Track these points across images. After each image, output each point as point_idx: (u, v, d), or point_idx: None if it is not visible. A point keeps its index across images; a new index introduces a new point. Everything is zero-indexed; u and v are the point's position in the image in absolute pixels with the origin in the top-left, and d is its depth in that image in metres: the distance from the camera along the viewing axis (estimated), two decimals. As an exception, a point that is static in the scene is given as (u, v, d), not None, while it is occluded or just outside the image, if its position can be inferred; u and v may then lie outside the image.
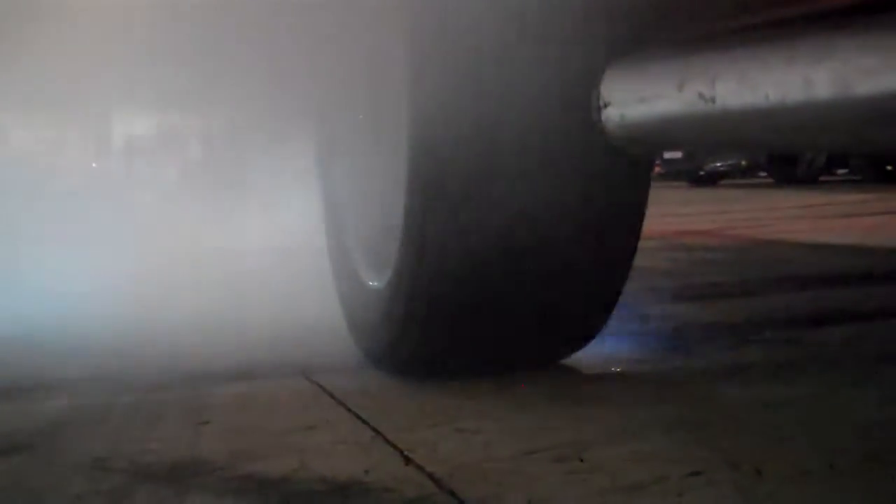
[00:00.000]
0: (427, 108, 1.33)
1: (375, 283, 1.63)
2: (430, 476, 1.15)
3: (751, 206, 5.13)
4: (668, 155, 12.12)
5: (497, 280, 1.44)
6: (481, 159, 1.32)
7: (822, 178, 12.03)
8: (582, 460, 1.19)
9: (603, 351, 1.72)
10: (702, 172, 12.88)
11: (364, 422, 1.38)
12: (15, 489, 1.17)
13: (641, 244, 1.54)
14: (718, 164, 12.75)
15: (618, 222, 1.42)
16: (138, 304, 2.15)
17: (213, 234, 2.18)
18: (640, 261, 1.57)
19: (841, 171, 12.69)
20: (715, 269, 3.02)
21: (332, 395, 1.53)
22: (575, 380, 1.60)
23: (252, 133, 2.06)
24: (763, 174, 13.11)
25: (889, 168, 10.37)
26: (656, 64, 1.02)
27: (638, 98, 1.02)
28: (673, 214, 5.10)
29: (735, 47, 0.89)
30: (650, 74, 1.02)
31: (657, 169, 11.55)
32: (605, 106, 1.08)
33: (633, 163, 1.30)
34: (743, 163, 12.72)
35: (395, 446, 1.26)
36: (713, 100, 0.88)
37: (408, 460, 1.21)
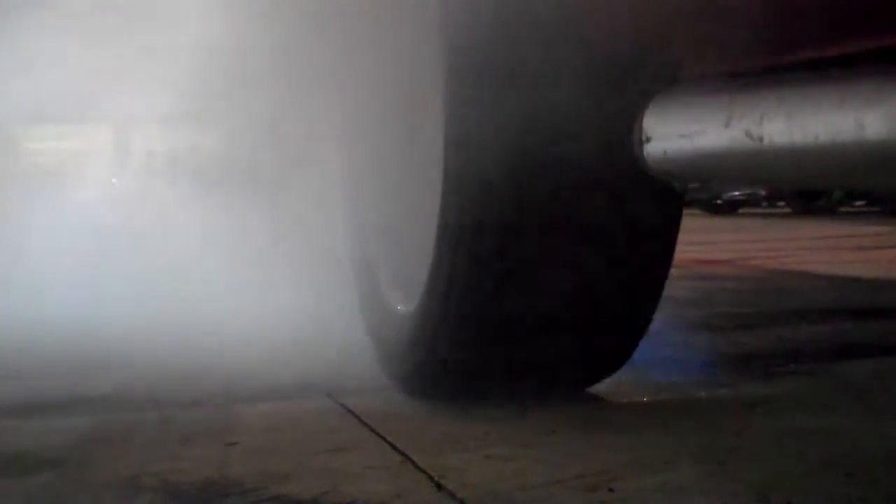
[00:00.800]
0: (463, 138, 1.34)
1: (403, 308, 1.64)
2: (462, 503, 1.15)
3: (769, 235, 5.13)
4: (684, 182, 12.05)
5: (527, 306, 1.45)
6: (516, 188, 1.33)
7: (841, 209, 12.01)
8: (612, 490, 1.19)
9: (630, 379, 1.72)
10: (719, 201, 12.84)
11: (392, 445, 1.38)
12: (47, 506, 1.18)
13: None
14: (737, 193, 12.71)
15: (650, 252, 1.42)
16: (159, 319, 2.15)
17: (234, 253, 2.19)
18: (663, 290, 1.58)
19: (859, 203, 12.66)
20: (736, 298, 3.02)
21: (358, 418, 1.53)
22: (603, 407, 1.61)
23: (275, 153, 2.06)
24: (782, 204, 13.07)
25: (908, 200, 10.32)
26: (700, 100, 1.03)
27: (681, 134, 1.03)
28: (691, 243, 5.10)
29: (783, 87, 0.90)
30: (694, 111, 1.02)
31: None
32: (647, 140, 1.09)
33: (668, 194, 1.31)
34: (762, 192, 12.67)
35: (424, 471, 1.27)
36: (761, 138, 0.89)
37: (439, 486, 1.21)
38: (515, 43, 1.24)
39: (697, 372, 1.88)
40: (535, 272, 1.42)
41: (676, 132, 1.04)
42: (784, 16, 0.95)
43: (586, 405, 1.61)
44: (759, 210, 13.35)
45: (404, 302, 1.63)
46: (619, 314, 1.50)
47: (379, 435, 1.43)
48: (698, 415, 1.55)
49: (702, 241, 5.37)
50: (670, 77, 1.15)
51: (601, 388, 1.67)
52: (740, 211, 12.97)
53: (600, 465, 1.28)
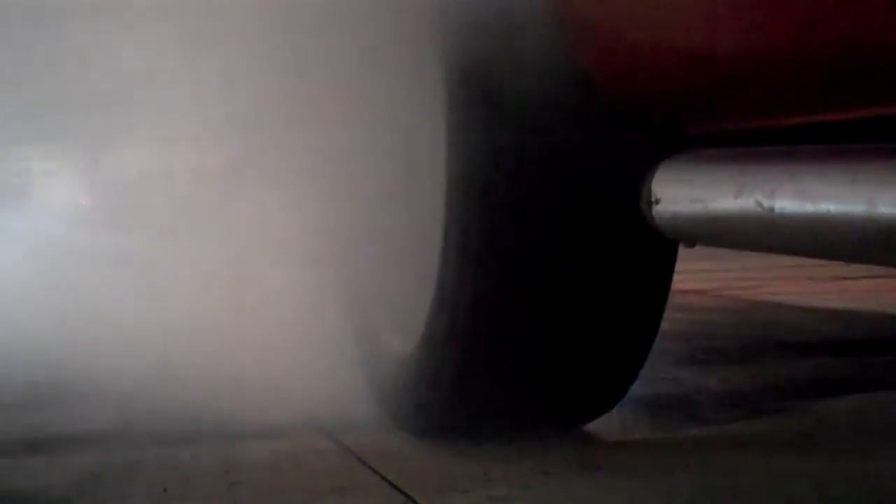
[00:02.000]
0: (465, 181, 1.38)
1: (402, 346, 1.66)
2: (469, 545, 1.18)
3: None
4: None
5: (526, 349, 1.49)
6: (519, 231, 1.37)
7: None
8: (614, 532, 1.22)
9: (621, 416, 1.76)
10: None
11: (394, 486, 1.41)
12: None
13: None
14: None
15: (647, 295, 1.47)
16: (153, 351, 2.16)
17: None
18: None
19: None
20: (715, 331, 3.06)
21: (358, 457, 1.56)
22: (597, 447, 1.64)
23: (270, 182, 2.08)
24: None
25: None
26: (711, 166, 1.07)
27: (691, 199, 1.07)
28: (667, 271, 5.12)
29: (794, 161, 0.94)
30: (705, 176, 1.06)
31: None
32: (657, 202, 1.13)
33: (668, 247, 1.35)
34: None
35: (428, 513, 1.30)
36: (772, 209, 0.93)
37: (444, 528, 1.24)
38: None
39: (684, 410, 1.92)
40: (535, 317, 1.46)
41: (686, 197, 1.08)
42: (791, 78, 0.99)
43: (581, 444, 1.64)
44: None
45: (404, 342, 1.65)
46: (616, 355, 1.54)
47: (380, 475, 1.46)
48: (690, 454, 1.59)
49: (676, 270, 5.40)
50: (675, 135, 1.19)
51: (593, 426, 1.71)
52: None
53: (601, 508, 1.31)
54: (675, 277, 1.55)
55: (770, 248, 1.01)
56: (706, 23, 1.06)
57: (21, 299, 2.42)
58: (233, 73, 2.00)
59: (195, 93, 1.98)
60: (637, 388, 1.87)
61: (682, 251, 1.44)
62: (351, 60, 1.76)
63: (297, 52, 1.80)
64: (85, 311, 2.26)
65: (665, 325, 1.60)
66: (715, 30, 1.07)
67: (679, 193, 1.10)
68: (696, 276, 5.01)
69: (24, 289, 2.43)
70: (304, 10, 1.72)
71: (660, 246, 1.35)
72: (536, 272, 1.43)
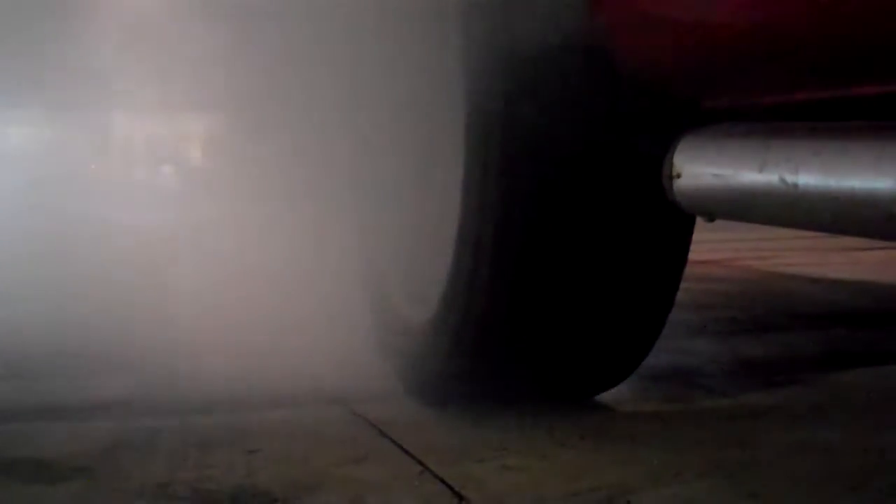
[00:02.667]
0: (486, 150, 1.39)
1: (419, 314, 1.67)
2: (485, 514, 1.19)
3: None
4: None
5: (543, 316, 1.49)
6: (536, 200, 1.38)
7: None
8: (629, 503, 1.23)
9: (635, 387, 1.77)
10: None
11: (410, 455, 1.42)
12: (84, 515, 1.21)
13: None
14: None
15: (664, 265, 1.47)
16: (170, 321, 2.18)
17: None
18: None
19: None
20: (729, 302, 3.07)
21: (374, 426, 1.57)
22: (610, 417, 1.65)
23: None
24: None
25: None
26: (734, 141, 1.07)
27: (714, 174, 1.07)
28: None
29: (818, 138, 0.94)
30: (727, 152, 1.06)
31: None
32: (678, 176, 1.13)
33: (687, 221, 1.36)
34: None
35: (444, 482, 1.31)
36: (795, 186, 0.93)
37: (461, 497, 1.25)
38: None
39: (697, 381, 1.93)
40: (553, 283, 1.47)
41: (709, 172, 1.08)
42: (807, 53, 0.99)
43: (595, 415, 1.65)
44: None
45: (420, 311, 1.66)
46: (632, 325, 1.55)
47: (397, 444, 1.47)
48: (704, 426, 1.60)
49: (688, 240, 5.39)
50: (694, 110, 1.20)
51: (606, 396, 1.72)
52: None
53: (615, 478, 1.32)
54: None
55: (792, 224, 1.01)
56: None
57: (41, 270, 2.44)
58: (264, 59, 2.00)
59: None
60: (651, 359, 1.88)
61: (697, 220, 1.44)
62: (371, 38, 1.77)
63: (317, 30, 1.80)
64: (105, 280, 2.28)
65: (680, 295, 1.61)
66: (730, 4, 1.07)
67: (701, 168, 1.11)
68: (709, 245, 5.01)
69: (44, 261, 2.44)
70: None
71: (678, 219, 1.36)
72: (553, 242, 1.44)
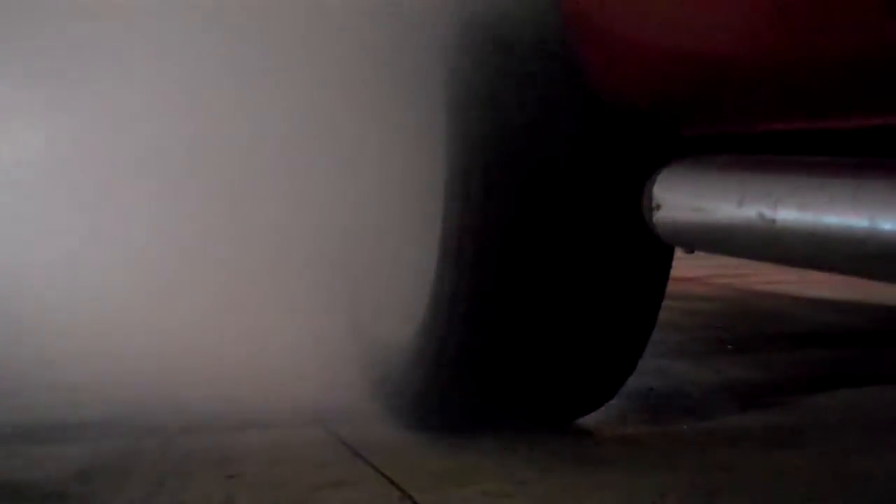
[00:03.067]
0: (465, 176, 1.39)
1: (399, 334, 1.67)
2: (464, 542, 1.19)
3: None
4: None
5: (524, 341, 1.49)
6: (517, 225, 1.38)
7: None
8: (609, 530, 1.23)
9: (615, 410, 1.76)
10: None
11: (390, 480, 1.41)
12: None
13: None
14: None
15: (644, 293, 1.48)
16: (149, 341, 2.16)
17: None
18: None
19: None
20: (708, 321, 3.08)
21: (353, 450, 1.56)
22: (590, 441, 1.65)
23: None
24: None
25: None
26: (713, 174, 1.07)
27: (693, 207, 1.07)
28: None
29: (796, 174, 0.94)
30: (706, 185, 1.07)
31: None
32: (657, 208, 1.14)
33: (667, 247, 1.36)
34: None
35: (423, 508, 1.30)
36: (773, 222, 0.93)
37: (439, 524, 1.25)
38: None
39: (676, 403, 1.93)
40: (534, 308, 1.46)
41: (688, 205, 1.09)
42: (790, 83, 0.99)
43: (573, 438, 1.65)
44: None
45: (401, 329, 1.66)
46: (612, 349, 1.55)
47: (376, 469, 1.47)
48: (684, 450, 1.60)
49: (669, 257, 5.41)
50: (674, 137, 1.20)
51: (587, 419, 1.71)
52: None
53: (594, 503, 1.32)
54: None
55: (771, 259, 1.01)
56: (703, 25, 1.06)
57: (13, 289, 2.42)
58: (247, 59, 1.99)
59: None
60: (630, 380, 1.88)
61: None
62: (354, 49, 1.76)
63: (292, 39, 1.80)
64: (77, 298, 2.26)
65: (660, 313, 1.61)
66: (713, 32, 1.07)
67: (680, 200, 1.11)
68: (689, 262, 5.02)
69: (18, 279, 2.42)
70: None
71: (658, 245, 1.36)
72: (534, 269, 1.44)
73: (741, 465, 1.52)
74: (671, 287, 1.70)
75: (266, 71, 1.83)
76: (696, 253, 1.44)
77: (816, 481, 1.44)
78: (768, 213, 0.94)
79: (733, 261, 5.28)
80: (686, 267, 4.58)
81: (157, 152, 2.10)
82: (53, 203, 2.44)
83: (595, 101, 1.26)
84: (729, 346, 2.56)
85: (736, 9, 1.01)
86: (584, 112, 1.30)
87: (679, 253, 1.56)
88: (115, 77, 2.06)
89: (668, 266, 1.49)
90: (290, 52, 1.74)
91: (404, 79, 1.63)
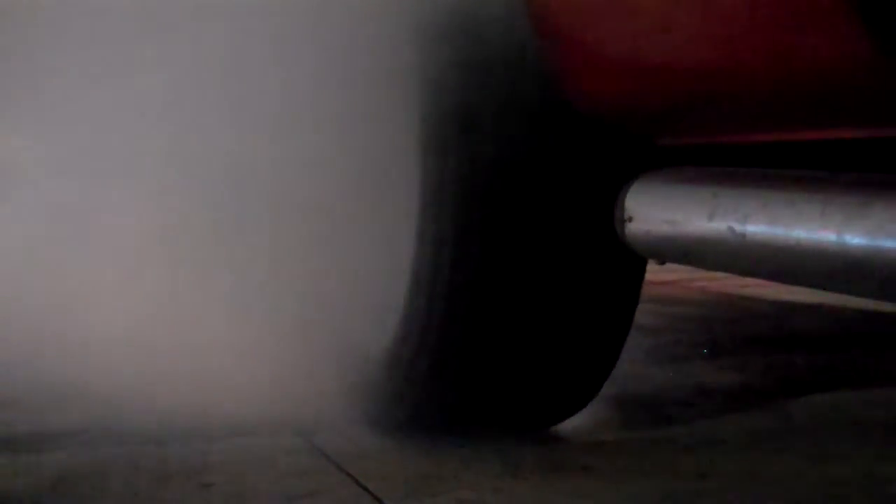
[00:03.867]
0: (439, 199, 1.39)
1: (375, 340, 1.67)
2: (439, 551, 1.19)
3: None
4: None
5: (498, 350, 1.50)
6: (493, 234, 1.38)
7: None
8: (583, 537, 1.23)
9: (591, 416, 1.77)
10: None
11: (365, 488, 1.42)
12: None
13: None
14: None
15: (619, 297, 1.49)
16: (123, 348, 2.15)
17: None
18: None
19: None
20: (683, 325, 3.09)
21: (329, 458, 1.56)
22: (565, 449, 1.65)
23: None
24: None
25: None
26: (684, 187, 1.08)
27: (664, 219, 1.08)
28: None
29: (767, 188, 0.95)
30: (678, 198, 1.07)
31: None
32: (630, 220, 1.14)
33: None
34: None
35: (399, 516, 1.31)
36: (743, 236, 0.94)
37: (414, 533, 1.25)
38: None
39: (653, 409, 1.94)
40: (508, 315, 1.47)
41: (660, 217, 1.09)
42: (762, 96, 1.00)
43: (549, 446, 1.65)
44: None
45: (376, 343, 1.66)
46: (586, 357, 1.55)
47: (351, 477, 1.47)
48: (661, 455, 1.60)
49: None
50: (647, 147, 1.21)
51: (561, 427, 1.72)
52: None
53: (571, 512, 1.33)
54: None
55: (742, 273, 1.02)
56: (676, 35, 1.07)
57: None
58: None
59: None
60: (609, 386, 1.88)
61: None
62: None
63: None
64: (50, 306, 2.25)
65: (637, 317, 1.62)
66: (686, 42, 1.08)
67: (652, 213, 1.12)
68: (665, 265, 5.05)
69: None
70: None
71: (631, 255, 1.37)
72: (507, 277, 1.44)
73: (718, 471, 1.53)
74: (647, 290, 1.71)
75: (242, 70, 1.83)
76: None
77: (795, 486, 1.45)
78: (738, 226, 0.94)
79: (710, 264, 5.28)
80: (660, 270, 4.60)
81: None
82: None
83: (569, 112, 1.27)
84: (704, 351, 2.57)
85: (708, 19, 1.02)
86: (557, 122, 1.30)
87: (653, 257, 1.57)
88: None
89: (642, 273, 1.50)
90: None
91: (376, 92, 1.63)
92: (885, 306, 3.50)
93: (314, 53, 1.68)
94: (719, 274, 4.83)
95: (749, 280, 4.55)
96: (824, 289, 0.92)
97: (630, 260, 1.41)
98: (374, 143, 1.68)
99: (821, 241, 0.86)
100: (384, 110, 1.64)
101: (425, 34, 1.34)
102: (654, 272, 4.42)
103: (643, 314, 2.93)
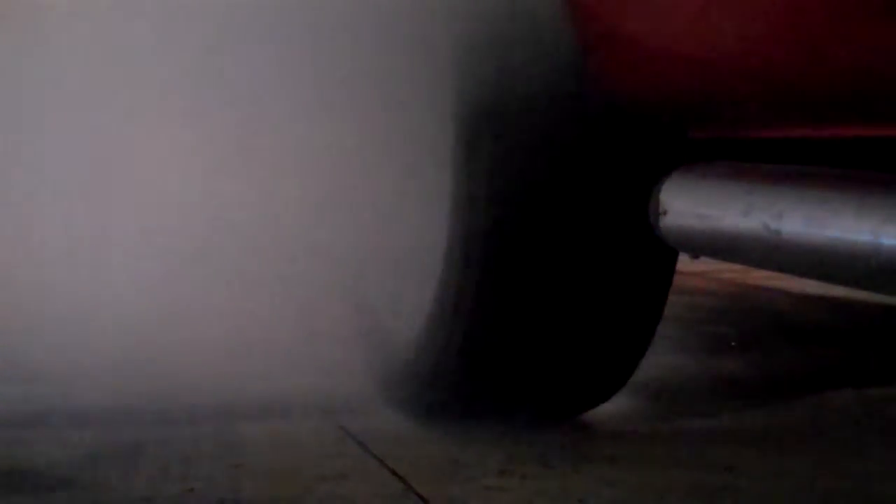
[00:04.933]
0: (474, 188, 1.40)
1: (405, 332, 1.68)
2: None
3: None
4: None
5: (529, 334, 1.51)
6: (524, 221, 1.39)
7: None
8: (610, 527, 1.24)
9: (618, 406, 1.77)
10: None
11: (393, 472, 1.43)
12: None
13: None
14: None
15: (650, 288, 1.49)
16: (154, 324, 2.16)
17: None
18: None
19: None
20: (712, 317, 3.09)
21: (357, 441, 1.58)
22: (593, 438, 1.66)
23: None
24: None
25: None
26: (720, 182, 1.08)
27: (699, 214, 1.09)
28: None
29: (802, 186, 0.95)
30: (713, 194, 1.08)
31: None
32: (664, 213, 1.15)
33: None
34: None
35: (425, 501, 1.32)
36: (778, 233, 0.94)
37: (442, 518, 1.26)
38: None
39: (679, 400, 1.94)
40: (540, 303, 1.48)
41: (694, 212, 1.10)
42: (798, 91, 1.00)
43: (577, 434, 1.66)
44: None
45: (406, 326, 1.67)
46: (618, 345, 1.56)
47: (379, 460, 1.48)
48: (687, 447, 1.61)
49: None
50: (682, 139, 1.21)
51: (589, 415, 1.73)
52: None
53: (595, 500, 1.34)
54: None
55: (775, 269, 1.03)
56: (714, 26, 1.07)
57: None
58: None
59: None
60: (638, 376, 1.88)
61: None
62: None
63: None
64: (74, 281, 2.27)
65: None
66: (724, 34, 1.08)
67: (687, 207, 1.12)
68: (696, 259, 5.03)
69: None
70: None
71: (664, 247, 1.37)
72: (541, 265, 1.45)
73: (741, 465, 1.53)
74: (675, 281, 1.71)
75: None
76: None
77: (815, 484, 1.46)
78: (773, 223, 0.95)
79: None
80: (689, 262, 4.59)
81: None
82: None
83: (609, 106, 1.27)
84: (732, 343, 2.57)
85: (748, 11, 1.02)
86: (593, 115, 1.31)
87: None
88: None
89: (674, 265, 1.50)
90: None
91: (414, 84, 1.64)
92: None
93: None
94: (744, 267, 4.80)
95: (774, 273, 4.53)
96: (859, 287, 0.92)
97: (663, 251, 1.42)
98: (419, 120, 1.69)
99: (856, 240, 0.86)
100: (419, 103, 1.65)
101: (470, 28, 1.35)
102: (684, 263, 4.40)
103: (672, 305, 2.94)
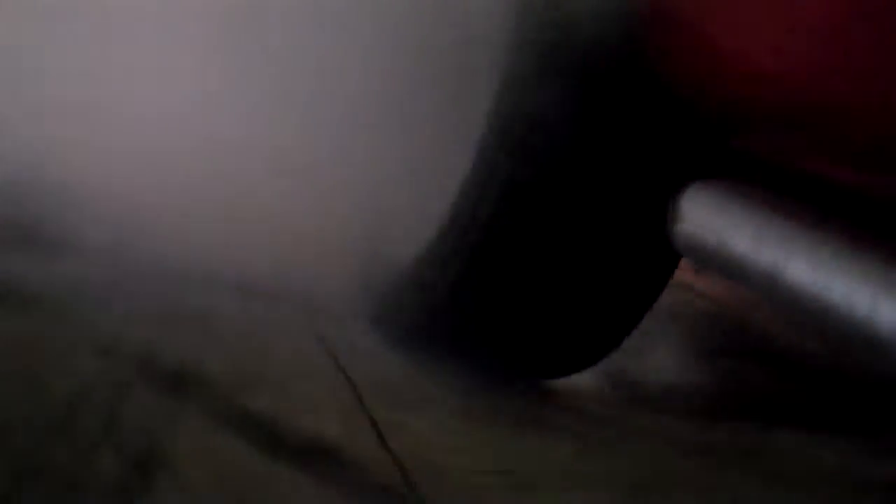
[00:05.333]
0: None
1: (405, 250, 1.68)
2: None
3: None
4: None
5: (527, 286, 1.52)
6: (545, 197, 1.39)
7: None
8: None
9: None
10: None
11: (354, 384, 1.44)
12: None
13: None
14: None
15: (647, 277, 1.49)
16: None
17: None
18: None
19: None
20: (710, 312, 3.06)
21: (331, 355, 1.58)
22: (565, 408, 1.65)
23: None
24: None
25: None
26: (738, 204, 1.07)
27: (713, 231, 1.07)
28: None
29: (814, 232, 0.93)
30: (730, 214, 1.07)
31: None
32: (681, 219, 1.14)
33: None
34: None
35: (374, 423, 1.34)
36: (783, 274, 0.93)
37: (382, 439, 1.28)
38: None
39: (674, 397, 1.91)
40: (540, 266, 1.49)
41: (708, 230, 1.09)
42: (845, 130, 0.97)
43: (544, 402, 1.66)
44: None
45: (407, 244, 1.67)
46: (605, 319, 1.57)
47: (343, 371, 1.49)
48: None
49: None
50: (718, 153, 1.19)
51: (561, 383, 1.71)
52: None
53: (525, 466, 1.34)
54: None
55: (776, 307, 1.02)
56: (800, 40, 1.03)
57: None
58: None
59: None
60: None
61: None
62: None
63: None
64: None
65: (660, 302, 1.61)
66: (809, 52, 1.04)
67: (703, 221, 1.11)
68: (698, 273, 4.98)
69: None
70: None
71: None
72: (551, 229, 1.46)
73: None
74: (686, 280, 1.69)
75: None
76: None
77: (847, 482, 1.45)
78: (781, 263, 0.94)
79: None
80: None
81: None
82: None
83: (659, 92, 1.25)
84: (743, 346, 2.54)
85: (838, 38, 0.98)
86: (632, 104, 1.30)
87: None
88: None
89: (675, 265, 1.50)
90: None
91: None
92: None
93: None
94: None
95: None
96: (857, 358, 0.91)
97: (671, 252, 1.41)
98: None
99: (854, 307, 0.85)
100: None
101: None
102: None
103: (684, 305, 2.90)
